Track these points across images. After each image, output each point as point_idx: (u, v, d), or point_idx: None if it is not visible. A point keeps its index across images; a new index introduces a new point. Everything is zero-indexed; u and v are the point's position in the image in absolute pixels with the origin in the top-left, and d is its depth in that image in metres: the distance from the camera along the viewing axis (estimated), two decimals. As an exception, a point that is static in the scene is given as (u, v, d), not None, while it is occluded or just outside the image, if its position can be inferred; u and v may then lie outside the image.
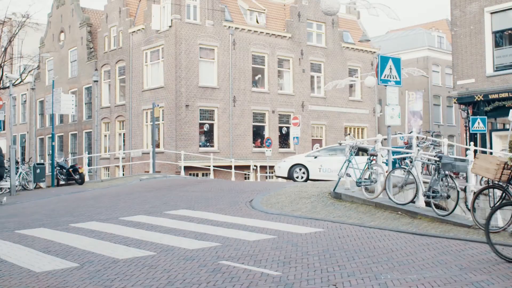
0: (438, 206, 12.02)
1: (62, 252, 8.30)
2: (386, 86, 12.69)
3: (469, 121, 22.58)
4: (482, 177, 14.60)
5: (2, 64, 34.01)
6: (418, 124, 41.45)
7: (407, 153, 15.00)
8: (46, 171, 24.45)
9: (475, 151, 19.46)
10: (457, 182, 10.88)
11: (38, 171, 23.24)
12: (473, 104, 23.07)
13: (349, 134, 35.59)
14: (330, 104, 37.66)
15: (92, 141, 38.88)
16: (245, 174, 32.08)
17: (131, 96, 34.90)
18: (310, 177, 19.95)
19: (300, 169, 19.83)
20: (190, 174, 29.80)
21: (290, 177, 19.98)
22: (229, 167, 29.51)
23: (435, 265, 6.76)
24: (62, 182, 24.66)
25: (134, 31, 34.71)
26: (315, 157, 19.94)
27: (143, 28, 33.95)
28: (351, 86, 39.06)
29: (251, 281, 6.14)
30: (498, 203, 9.73)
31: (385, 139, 13.46)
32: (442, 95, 49.79)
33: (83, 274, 6.81)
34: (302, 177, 19.86)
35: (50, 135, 34.67)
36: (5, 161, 19.73)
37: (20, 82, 38.05)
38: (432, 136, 18.91)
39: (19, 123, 47.80)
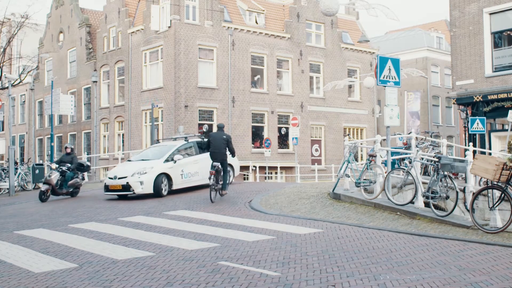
0: (437, 207, 12.03)
1: (61, 252, 8.30)
2: (385, 86, 12.71)
3: (468, 121, 22.60)
4: (481, 178, 14.62)
5: (1, 64, 34.00)
6: (415, 124, 41.48)
7: (406, 153, 15.00)
8: (45, 172, 24.42)
9: (474, 152, 19.48)
10: (456, 182, 10.89)
11: (37, 171, 23.22)
12: (472, 105, 23.09)
13: (348, 135, 35.68)
14: (329, 105, 37.67)
15: (91, 141, 38.86)
16: (244, 175, 32.06)
17: (130, 96, 34.90)
18: (173, 187, 16.23)
19: (164, 180, 15.85)
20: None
21: (157, 192, 15.68)
22: (228, 167, 29.47)
23: (434, 266, 6.77)
24: (61, 183, 24.63)
25: (133, 32, 34.71)
26: (175, 162, 16.16)
27: (142, 29, 33.95)
28: (350, 86, 39.07)
29: (250, 282, 6.14)
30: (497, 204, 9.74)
31: (384, 139, 13.47)
32: (441, 95, 49.82)
33: (82, 274, 6.81)
34: (165, 190, 15.90)
35: (49, 136, 34.65)
36: (1, 162, 19.56)
37: (19, 82, 38.03)
38: (431, 136, 18.89)
39: (18, 123, 47.78)
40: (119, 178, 15.85)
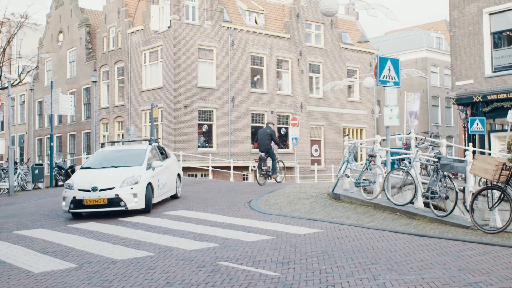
0: (436, 207, 12.03)
1: (60, 252, 8.30)
2: (384, 87, 12.71)
3: (467, 122, 22.60)
4: (480, 178, 14.62)
5: (1, 64, 33.99)
6: (414, 124, 41.48)
7: (406, 154, 15.00)
8: (44, 172, 24.44)
9: (474, 152, 19.48)
10: (456, 183, 10.89)
11: (36, 171, 23.23)
12: (472, 105, 23.10)
13: (347, 135, 35.60)
14: (329, 105, 37.66)
15: (90, 141, 38.84)
16: (244, 175, 32.06)
17: (130, 96, 34.89)
18: (153, 201, 13.03)
19: (150, 191, 12.76)
20: (188, 175, 29.79)
21: (148, 206, 12.48)
22: (228, 167, 29.51)
23: (434, 266, 6.77)
24: (60, 183, 24.67)
25: (133, 32, 34.70)
26: (153, 169, 13.21)
27: (142, 29, 33.93)
28: (349, 87, 39.07)
29: (250, 282, 6.14)
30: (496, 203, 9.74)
31: (383, 140, 13.48)
32: (441, 96, 49.84)
33: (81, 274, 6.81)
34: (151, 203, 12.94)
35: (49, 136, 34.63)
36: (1, 162, 19.07)
37: (19, 82, 38.00)
38: (430, 137, 18.89)
39: (18, 123, 47.77)
40: (101, 190, 11.93)
